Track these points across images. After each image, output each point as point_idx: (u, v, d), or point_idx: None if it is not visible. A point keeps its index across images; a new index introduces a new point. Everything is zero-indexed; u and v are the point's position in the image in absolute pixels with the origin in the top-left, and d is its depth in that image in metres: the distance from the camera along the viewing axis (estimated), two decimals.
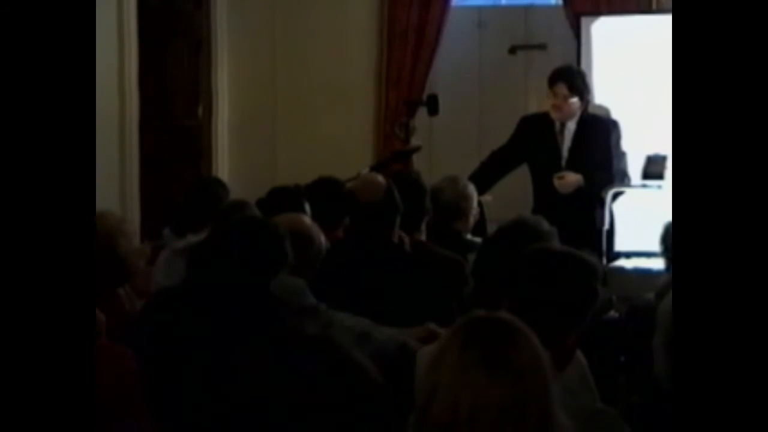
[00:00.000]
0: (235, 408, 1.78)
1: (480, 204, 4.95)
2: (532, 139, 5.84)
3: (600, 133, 5.76)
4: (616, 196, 5.74)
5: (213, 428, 2.65)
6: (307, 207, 4.19)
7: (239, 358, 1.84)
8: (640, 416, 2.69)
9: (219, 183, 4.89)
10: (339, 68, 7.54)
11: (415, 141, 6.72)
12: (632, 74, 6.46)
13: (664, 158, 5.66)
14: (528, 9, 7.70)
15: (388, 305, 3.77)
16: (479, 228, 4.90)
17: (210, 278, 3.19)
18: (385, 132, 7.47)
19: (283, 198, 4.25)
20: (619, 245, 5.80)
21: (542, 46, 7.48)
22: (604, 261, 5.54)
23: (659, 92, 5.75)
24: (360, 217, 4.02)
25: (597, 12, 6.92)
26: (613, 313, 4.68)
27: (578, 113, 5.76)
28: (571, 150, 5.75)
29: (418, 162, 6.85)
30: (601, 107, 6.30)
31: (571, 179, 5.64)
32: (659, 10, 6.81)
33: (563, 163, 5.74)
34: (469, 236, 4.71)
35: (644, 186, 5.71)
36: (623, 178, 5.81)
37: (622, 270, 5.47)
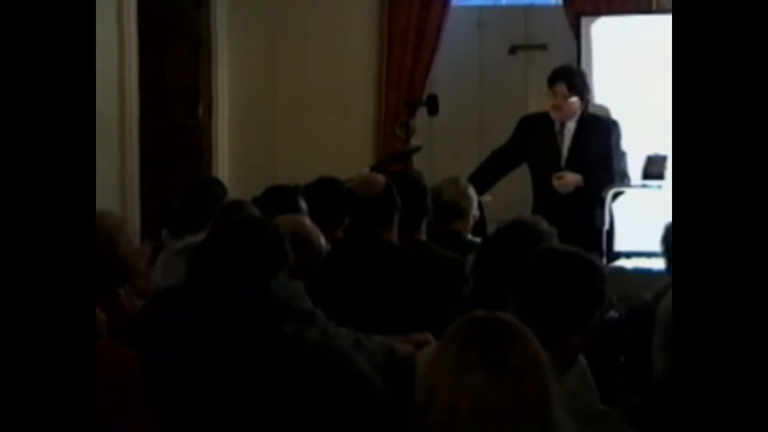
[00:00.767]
0: (235, 409, 1.78)
1: (480, 204, 4.94)
2: (532, 139, 5.84)
3: (600, 133, 5.77)
4: (616, 196, 5.74)
5: (213, 429, 2.65)
6: (304, 206, 4.20)
7: (239, 359, 1.85)
8: (639, 416, 2.68)
9: (217, 183, 4.89)
10: (339, 68, 7.54)
11: (415, 141, 6.72)
12: (632, 74, 6.46)
13: (664, 158, 5.65)
14: (528, 9, 7.70)
15: (387, 305, 3.76)
16: (479, 228, 4.89)
17: (210, 278, 3.19)
18: (385, 132, 7.47)
19: (279, 197, 4.25)
20: (619, 245, 5.80)
21: (542, 46, 7.48)
22: (604, 261, 5.54)
23: (659, 92, 5.74)
24: (358, 212, 4.02)
25: (597, 12, 6.92)
26: (613, 313, 4.68)
27: (578, 113, 5.77)
28: (571, 150, 5.75)
29: (418, 162, 6.85)
30: (601, 107, 6.30)
31: (570, 179, 5.64)
32: (659, 10, 6.80)
33: (563, 163, 5.75)
34: (469, 236, 4.70)
35: (644, 186, 5.71)
36: (623, 178, 5.81)
37: (622, 270, 5.47)
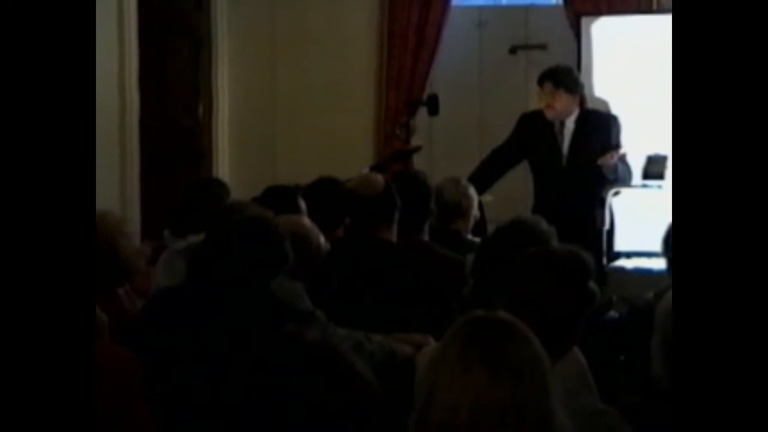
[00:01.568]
0: (235, 409, 1.78)
1: (480, 204, 4.95)
2: (532, 137, 5.84)
3: (599, 129, 5.76)
4: (616, 195, 5.74)
5: (213, 429, 2.65)
6: (303, 206, 4.20)
7: (239, 358, 1.84)
8: (639, 416, 2.69)
9: (219, 183, 4.89)
10: (339, 68, 7.53)
11: (415, 141, 6.72)
12: (632, 74, 6.46)
13: (664, 158, 5.66)
14: (528, 9, 7.70)
15: (388, 305, 3.76)
16: (479, 228, 4.90)
17: (210, 278, 3.19)
18: (385, 132, 7.47)
19: (278, 196, 4.25)
20: (619, 245, 5.80)
21: (542, 46, 7.48)
22: (604, 261, 5.54)
23: (659, 92, 5.75)
24: (358, 211, 4.02)
25: (597, 12, 6.91)
26: (613, 313, 4.68)
27: (575, 109, 5.77)
28: (571, 146, 5.75)
29: (418, 162, 6.85)
30: (600, 101, 6.30)
31: (614, 158, 5.55)
32: (659, 10, 6.80)
33: (563, 160, 5.75)
34: (469, 236, 4.71)
35: (644, 186, 5.71)
36: (626, 171, 5.76)
37: (622, 270, 5.48)
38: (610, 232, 5.68)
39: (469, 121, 7.59)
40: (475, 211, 4.79)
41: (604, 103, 6.35)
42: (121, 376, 2.76)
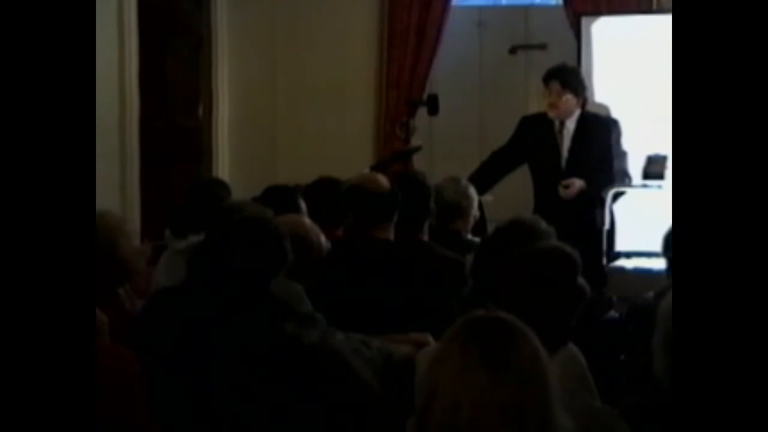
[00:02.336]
0: (235, 409, 1.78)
1: (480, 204, 4.95)
2: (533, 139, 5.84)
3: (600, 132, 5.77)
4: (616, 196, 5.74)
5: (213, 429, 2.65)
6: (304, 206, 4.20)
7: (239, 359, 1.85)
8: (639, 416, 2.69)
9: (220, 183, 4.89)
10: (339, 68, 7.54)
11: (415, 141, 6.72)
12: (632, 74, 6.46)
13: (664, 158, 5.65)
14: (528, 9, 7.70)
15: (387, 305, 3.76)
16: (479, 228, 4.90)
17: (210, 278, 3.19)
18: (385, 132, 7.47)
19: (278, 196, 4.25)
20: (620, 245, 5.80)
21: (542, 46, 7.48)
22: (604, 261, 5.54)
23: (659, 92, 5.75)
24: (364, 207, 4.02)
25: (597, 12, 6.92)
26: (613, 313, 4.68)
27: (576, 111, 5.77)
28: (571, 149, 5.76)
29: (418, 162, 6.85)
30: (601, 106, 6.31)
31: (575, 188, 5.63)
32: (659, 10, 6.81)
33: (563, 163, 5.75)
34: (469, 236, 4.71)
35: (644, 186, 5.71)
36: (624, 178, 5.80)
37: (622, 270, 5.47)
38: (610, 232, 5.68)
39: (469, 121, 7.59)
40: (475, 211, 4.79)
41: (604, 105, 6.35)
42: (121, 376, 2.76)
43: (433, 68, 7.43)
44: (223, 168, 7.49)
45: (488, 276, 3.35)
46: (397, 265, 3.93)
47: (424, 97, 6.95)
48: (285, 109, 7.65)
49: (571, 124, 5.76)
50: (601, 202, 5.66)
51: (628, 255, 5.69)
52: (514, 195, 6.08)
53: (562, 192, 5.63)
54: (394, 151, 6.83)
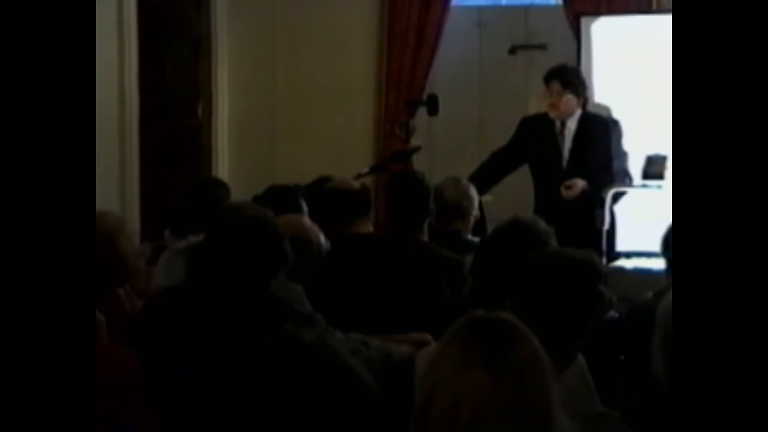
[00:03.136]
0: (233, 409, 1.78)
1: (480, 204, 4.95)
2: (533, 140, 5.84)
3: (600, 133, 5.77)
4: (616, 196, 5.74)
5: (213, 429, 2.65)
6: (305, 206, 4.21)
7: (239, 359, 1.84)
8: (639, 416, 2.69)
9: (220, 183, 4.89)
10: (339, 68, 7.54)
11: (415, 141, 6.72)
12: (632, 74, 6.46)
13: (664, 158, 5.65)
14: (528, 9, 7.70)
15: (387, 305, 3.76)
16: (479, 228, 4.90)
17: (209, 278, 3.19)
18: (385, 132, 7.47)
19: (280, 196, 4.26)
20: (620, 245, 5.80)
21: (542, 46, 7.48)
22: (604, 261, 5.54)
23: (659, 92, 5.75)
24: (340, 205, 4.11)
25: (597, 12, 6.91)
26: (613, 313, 4.67)
27: (577, 111, 5.77)
28: (572, 150, 5.76)
29: (418, 162, 6.84)
30: (602, 106, 6.31)
31: (577, 189, 5.63)
32: (659, 10, 6.80)
33: (564, 163, 5.75)
34: (469, 236, 4.70)
35: (644, 186, 5.71)
36: (625, 178, 5.80)
37: (622, 270, 5.47)
38: (610, 233, 5.68)
39: (469, 121, 7.59)
40: (475, 212, 4.79)
41: (605, 105, 6.34)
42: (121, 376, 2.76)
43: (432, 68, 7.42)
44: (222, 168, 7.49)
45: (489, 276, 3.35)
46: (396, 265, 3.93)
47: (424, 97, 6.95)
48: (285, 109, 7.65)
49: (572, 125, 5.76)
50: (601, 202, 5.66)
51: (628, 255, 5.69)
52: (514, 195, 6.09)
53: (564, 193, 5.63)
54: (394, 151, 6.82)
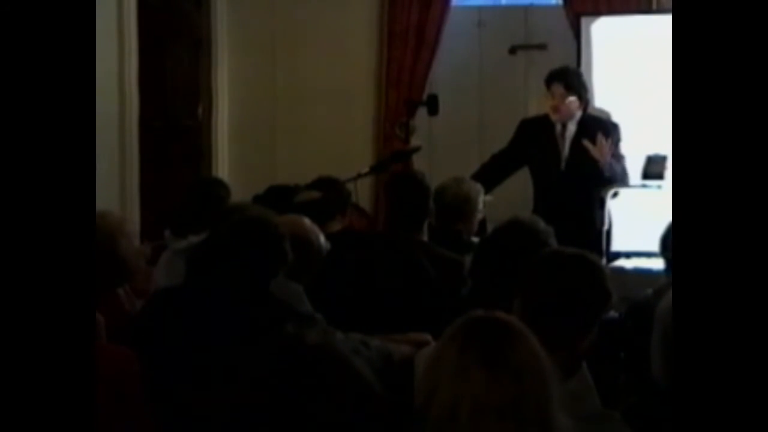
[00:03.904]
0: (234, 409, 1.78)
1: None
2: (533, 142, 5.83)
3: (600, 135, 5.76)
4: (615, 196, 5.74)
5: (213, 429, 2.65)
6: None
7: (239, 359, 1.85)
8: (639, 416, 2.69)
9: (220, 183, 4.89)
10: (339, 68, 7.53)
11: (415, 141, 6.72)
12: (632, 74, 6.46)
13: (664, 158, 5.65)
14: (528, 9, 7.70)
15: (387, 305, 3.77)
16: (479, 228, 4.89)
17: (210, 278, 3.20)
18: (385, 132, 7.47)
19: (280, 196, 4.26)
20: (619, 245, 5.80)
21: (542, 46, 7.48)
22: (604, 261, 5.54)
23: (659, 92, 5.75)
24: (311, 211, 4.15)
25: (597, 12, 6.91)
26: (613, 313, 4.67)
27: (578, 114, 5.76)
28: (572, 152, 5.74)
29: (418, 162, 6.85)
30: (601, 111, 6.30)
31: (605, 148, 5.53)
32: (659, 10, 6.80)
33: (563, 165, 5.74)
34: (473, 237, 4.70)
35: (644, 186, 5.71)
36: (624, 179, 5.79)
37: (621, 270, 5.47)
38: (610, 233, 5.68)
39: (469, 121, 7.59)
40: (480, 213, 4.78)
41: (605, 111, 6.34)
42: (121, 376, 2.76)
43: (432, 68, 7.42)
44: (222, 168, 7.49)
45: (489, 276, 3.35)
46: (396, 265, 3.93)
47: (424, 97, 6.95)
48: (285, 109, 7.65)
49: (572, 127, 5.75)
50: (601, 202, 5.65)
51: (628, 255, 5.69)
52: (513, 195, 6.08)
53: (594, 152, 5.50)
54: (394, 151, 6.82)
